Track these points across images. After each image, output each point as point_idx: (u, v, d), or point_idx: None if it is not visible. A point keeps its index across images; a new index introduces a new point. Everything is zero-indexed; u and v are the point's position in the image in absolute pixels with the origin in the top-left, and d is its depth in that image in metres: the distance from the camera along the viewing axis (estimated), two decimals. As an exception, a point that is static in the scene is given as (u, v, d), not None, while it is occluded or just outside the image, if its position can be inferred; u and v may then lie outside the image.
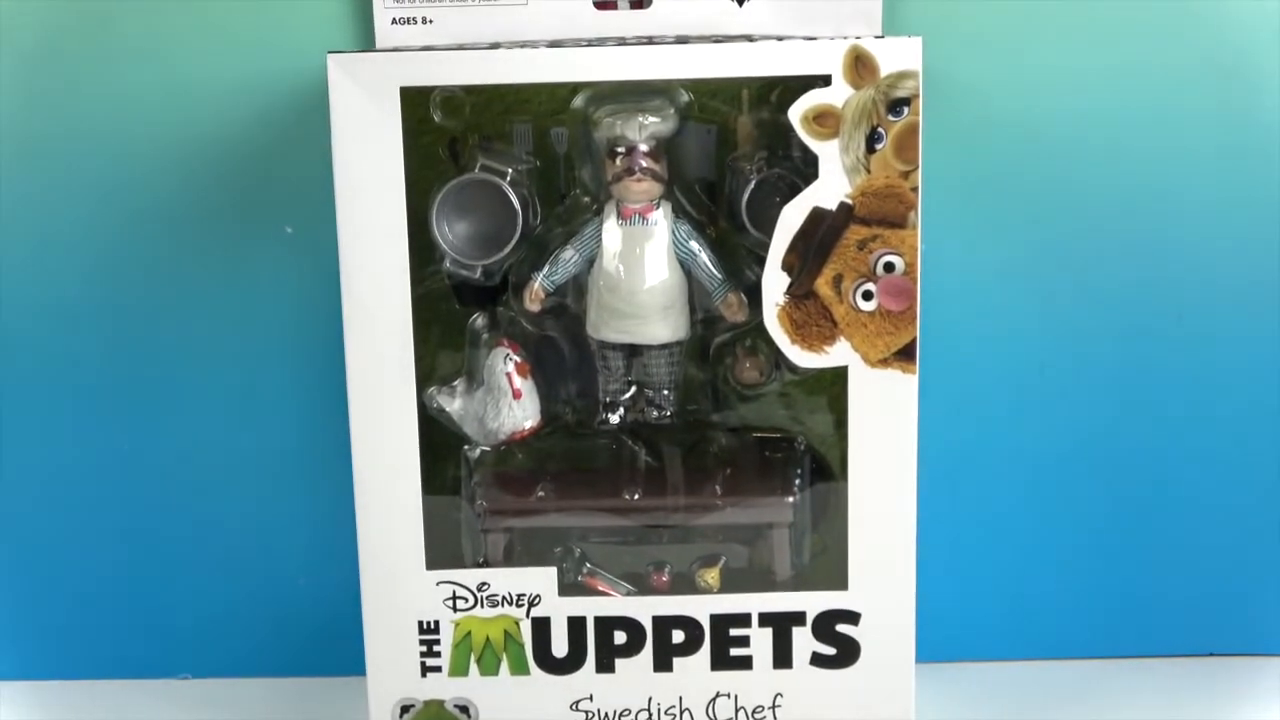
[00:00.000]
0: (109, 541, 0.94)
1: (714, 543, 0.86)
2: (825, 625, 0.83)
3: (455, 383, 0.84)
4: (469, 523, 0.85)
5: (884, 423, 0.81)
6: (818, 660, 0.84)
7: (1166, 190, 0.89)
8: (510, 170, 0.82)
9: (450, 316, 0.84)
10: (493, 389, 0.83)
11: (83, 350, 0.92)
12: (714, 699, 0.84)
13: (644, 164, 0.80)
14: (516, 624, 0.83)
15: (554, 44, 0.80)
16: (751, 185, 0.81)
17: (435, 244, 0.81)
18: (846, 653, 0.84)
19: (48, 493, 0.94)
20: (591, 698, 0.84)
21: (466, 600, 0.83)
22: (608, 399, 0.84)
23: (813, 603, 0.83)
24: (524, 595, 0.83)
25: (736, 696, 0.84)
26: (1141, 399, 0.92)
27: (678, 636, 0.84)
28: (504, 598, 0.83)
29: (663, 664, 0.84)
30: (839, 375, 0.81)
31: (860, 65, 0.76)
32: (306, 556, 0.93)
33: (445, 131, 0.82)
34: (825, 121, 0.77)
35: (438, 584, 0.83)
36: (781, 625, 0.83)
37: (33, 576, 0.95)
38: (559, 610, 0.83)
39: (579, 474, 0.86)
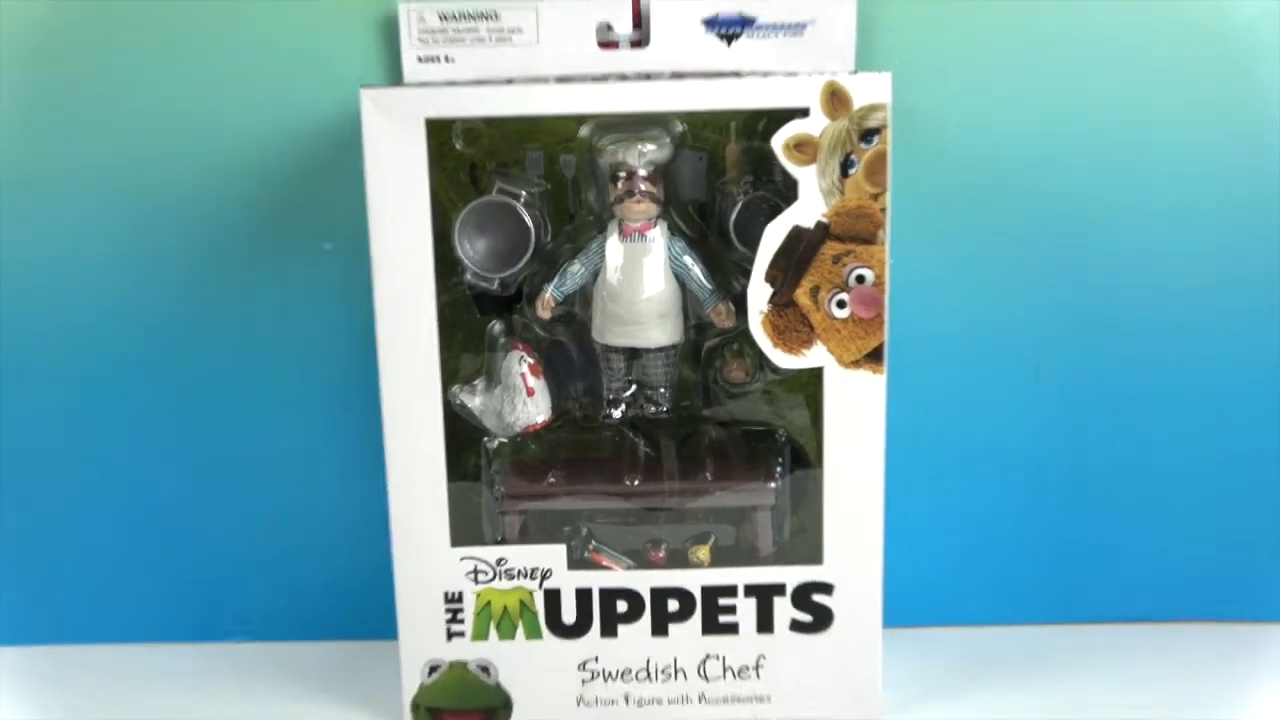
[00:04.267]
0: (178, 531, 0.96)
1: (705, 523, 0.87)
2: (803, 595, 0.85)
3: (476, 382, 0.86)
4: (488, 505, 0.87)
5: (855, 417, 0.82)
6: (796, 626, 0.85)
7: (1111, 209, 0.89)
8: (524, 193, 0.84)
9: (471, 323, 0.85)
10: (509, 387, 0.85)
11: (143, 354, 0.92)
12: (705, 660, 0.86)
13: (643, 187, 0.81)
14: (531, 594, 0.85)
15: (562, 79, 0.81)
16: (739, 206, 0.83)
17: (458, 259, 0.83)
18: (821, 619, 0.85)
19: (122, 483, 0.95)
20: (597, 659, 0.86)
21: (486, 573, 0.85)
22: (610, 396, 0.86)
23: (792, 575, 0.85)
24: (537, 569, 0.85)
25: (724, 658, 0.86)
26: (1101, 380, 0.92)
27: (673, 605, 0.86)
28: (519, 571, 0.85)
29: (660, 629, 0.86)
30: (816, 375, 0.82)
31: (835, 99, 0.78)
32: (346, 536, 0.94)
33: (466, 158, 0.83)
34: (804, 149, 0.78)
35: (461, 559, 0.84)
36: (764, 595, 0.85)
37: (100, 551, 0.96)
38: (568, 582, 0.85)
39: (586, 462, 0.88)
